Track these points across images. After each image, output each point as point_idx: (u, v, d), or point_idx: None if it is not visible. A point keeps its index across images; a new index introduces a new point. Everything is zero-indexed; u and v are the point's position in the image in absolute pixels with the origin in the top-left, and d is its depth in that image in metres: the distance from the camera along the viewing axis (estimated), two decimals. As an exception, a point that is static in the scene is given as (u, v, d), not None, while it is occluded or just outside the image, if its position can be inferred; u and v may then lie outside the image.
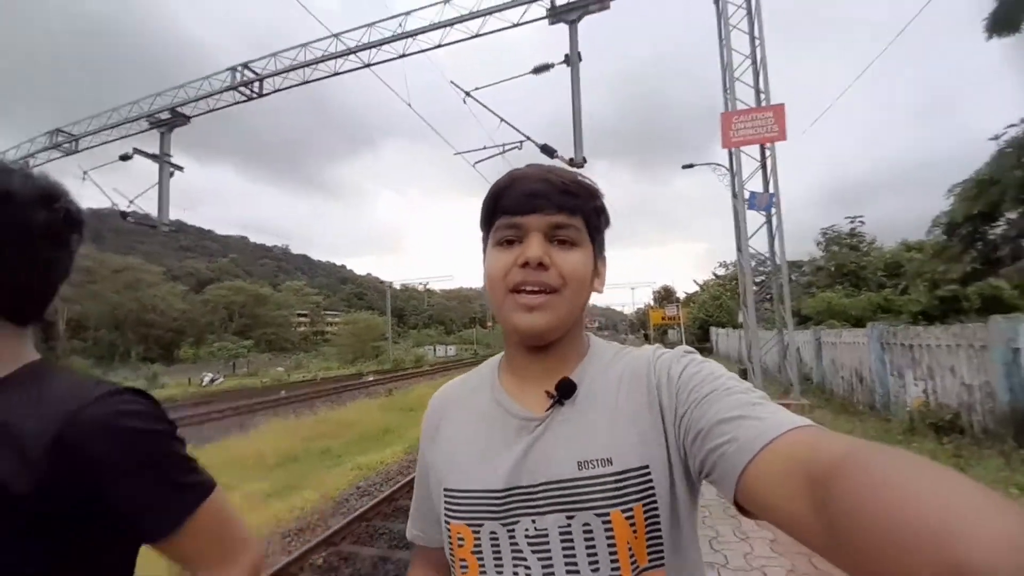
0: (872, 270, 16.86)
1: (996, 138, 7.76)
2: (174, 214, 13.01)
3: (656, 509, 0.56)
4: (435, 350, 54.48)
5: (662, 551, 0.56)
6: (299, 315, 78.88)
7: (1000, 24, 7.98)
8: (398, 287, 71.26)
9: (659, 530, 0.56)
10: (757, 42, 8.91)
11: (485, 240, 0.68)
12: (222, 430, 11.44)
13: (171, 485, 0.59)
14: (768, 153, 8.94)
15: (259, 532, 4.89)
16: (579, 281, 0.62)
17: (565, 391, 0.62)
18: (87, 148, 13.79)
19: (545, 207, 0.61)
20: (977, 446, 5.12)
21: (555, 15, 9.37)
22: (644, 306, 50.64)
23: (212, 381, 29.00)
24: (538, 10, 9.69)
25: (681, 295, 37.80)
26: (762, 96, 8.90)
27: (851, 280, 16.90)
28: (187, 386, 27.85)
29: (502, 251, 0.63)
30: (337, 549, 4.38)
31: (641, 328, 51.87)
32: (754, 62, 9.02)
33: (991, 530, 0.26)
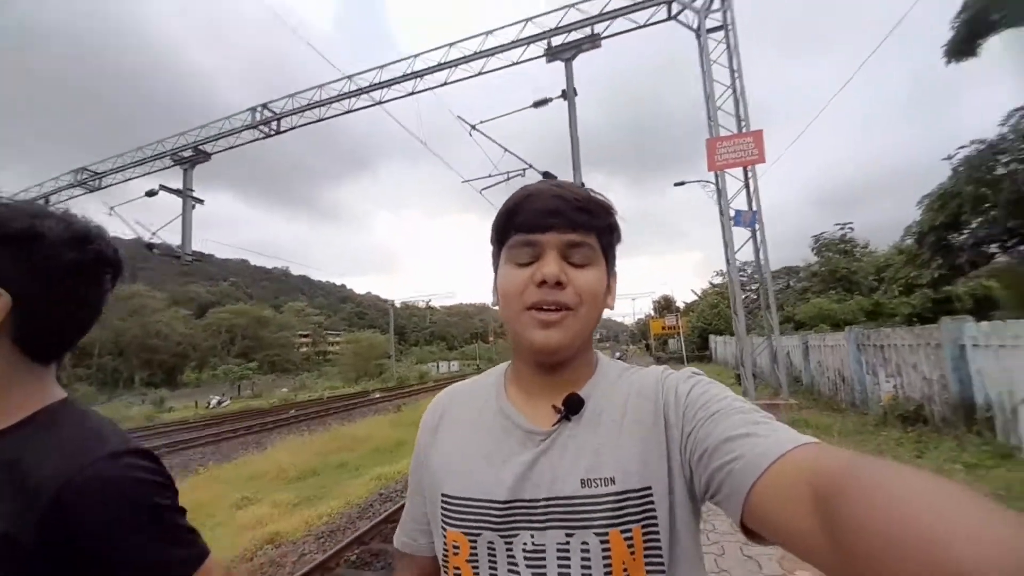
0: (863, 274, 17.09)
1: (949, 158, 8.43)
2: (178, 242, 13.67)
3: (656, 531, 0.55)
4: (438, 366, 54.20)
5: (663, 573, 0.55)
6: (301, 335, 79.03)
7: (957, 51, 8.68)
8: (399, 305, 71.64)
9: (659, 552, 0.55)
10: (736, 75, 9.64)
11: (496, 255, 0.67)
12: (239, 447, 11.84)
13: (167, 553, 0.59)
14: (751, 174, 9.60)
15: (294, 535, 5.35)
16: (594, 298, 0.62)
17: (573, 407, 0.62)
18: (110, 185, 14.49)
19: (560, 225, 0.61)
20: (937, 433, 5.72)
21: (552, 54, 10.29)
22: (644, 316, 50.86)
23: (219, 403, 29.17)
24: (536, 50, 10.59)
25: (680, 304, 38.10)
26: (742, 124, 9.63)
27: (844, 285, 17.16)
28: (195, 409, 28.09)
29: (518, 269, 0.63)
30: (367, 547, 4.76)
31: (642, 338, 52.07)
32: (734, 92, 9.74)
33: (985, 534, 0.27)
